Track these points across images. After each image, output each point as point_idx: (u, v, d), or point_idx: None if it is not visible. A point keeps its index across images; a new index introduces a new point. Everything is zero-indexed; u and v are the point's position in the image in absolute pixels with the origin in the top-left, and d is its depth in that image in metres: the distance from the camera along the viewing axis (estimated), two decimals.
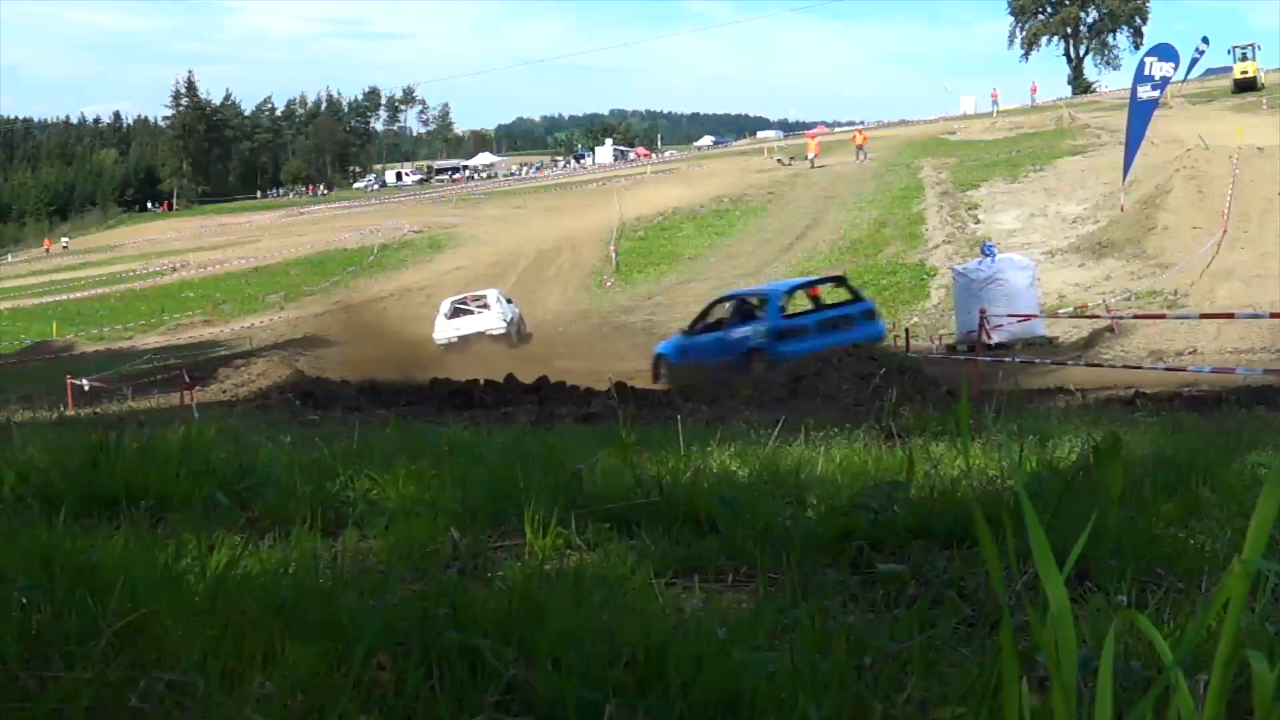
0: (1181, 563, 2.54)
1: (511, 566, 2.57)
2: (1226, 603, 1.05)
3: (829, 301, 17.64)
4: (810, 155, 53.44)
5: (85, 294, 53.45)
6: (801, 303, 17.86)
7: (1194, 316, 17.66)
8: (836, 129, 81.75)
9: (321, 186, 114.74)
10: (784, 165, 56.16)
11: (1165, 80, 29.44)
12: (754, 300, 17.30)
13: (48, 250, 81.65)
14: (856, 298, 17.18)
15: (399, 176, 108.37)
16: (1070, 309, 22.68)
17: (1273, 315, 15.25)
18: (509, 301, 28.90)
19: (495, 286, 31.05)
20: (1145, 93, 29.02)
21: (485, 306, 27.55)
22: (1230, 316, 17.18)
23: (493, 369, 15.32)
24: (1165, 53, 29.77)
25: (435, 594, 2.02)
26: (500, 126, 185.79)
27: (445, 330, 26.86)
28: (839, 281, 18.35)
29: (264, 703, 1.62)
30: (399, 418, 7.23)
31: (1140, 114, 28.92)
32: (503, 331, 26.11)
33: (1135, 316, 19.83)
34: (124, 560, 2.26)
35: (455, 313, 27.47)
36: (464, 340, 25.48)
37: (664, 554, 2.67)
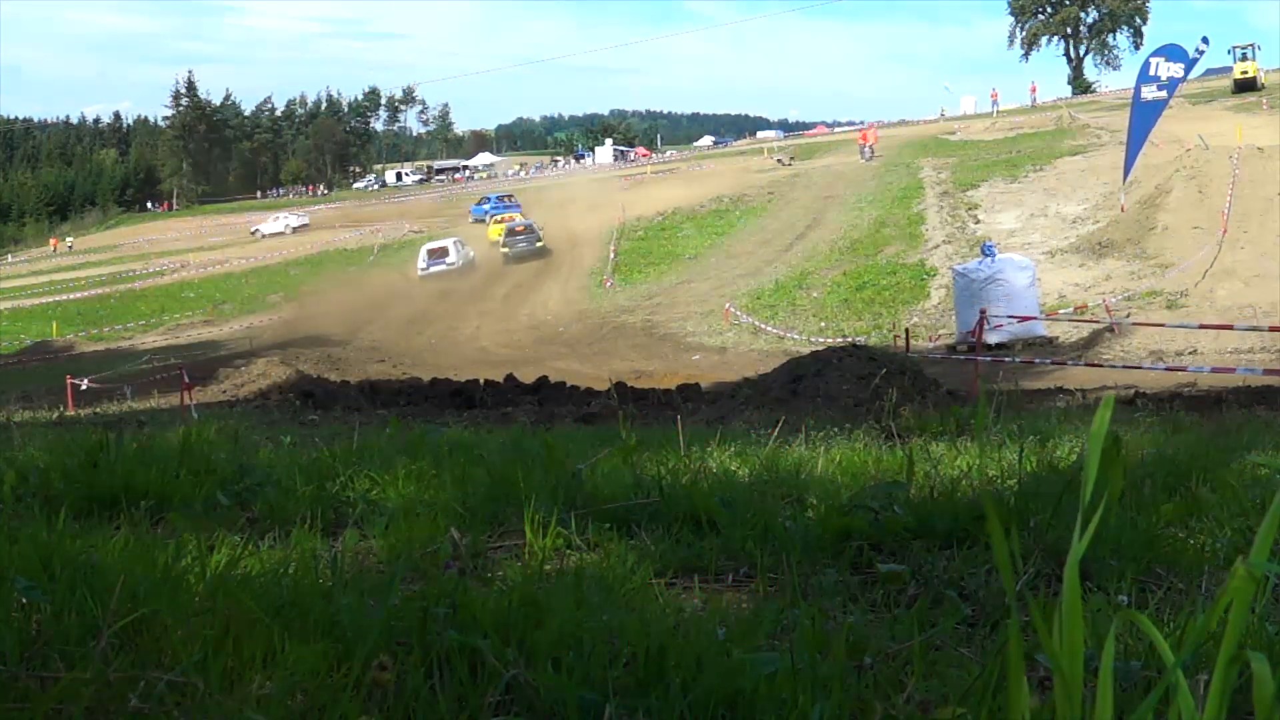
0: (1181, 563, 2.54)
1: (511, 566, 2.57)
2: (1229, 604, 1.04)
3: None
4: (868, 145, 53.28)
5: (85, 294, 53.49)
6: None
7: (1192, 326, 17.59)
8: (837, 129, 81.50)
9: (321, 186, 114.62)
10: (784, 165, 56.15)
11: (1174, 80, 28.94)
12: None
13: (54, 248, 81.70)
14: None
15: (399, 176, 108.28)
16: (1070, 309, 22.66)
17: (1271, 329, 15.21)
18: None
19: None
20: (1150, 93, 28.81)
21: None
22: (1229, 328, 17.10)
23: None
24: (1173, 53, 29.36)
25: (435, 594, 2.02)
26: (500, 126, 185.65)
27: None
28: None
29: (264, 703, 1.62)
30: (399, 418, 7.23)
31: (1144, 114, 28.73)
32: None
33: (1135, 323, 19.81)
34: (124, 560, 2.26)
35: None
36: None
37: (664, 554, 2.66)
